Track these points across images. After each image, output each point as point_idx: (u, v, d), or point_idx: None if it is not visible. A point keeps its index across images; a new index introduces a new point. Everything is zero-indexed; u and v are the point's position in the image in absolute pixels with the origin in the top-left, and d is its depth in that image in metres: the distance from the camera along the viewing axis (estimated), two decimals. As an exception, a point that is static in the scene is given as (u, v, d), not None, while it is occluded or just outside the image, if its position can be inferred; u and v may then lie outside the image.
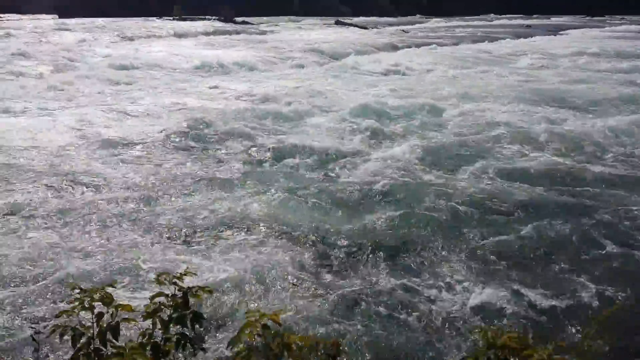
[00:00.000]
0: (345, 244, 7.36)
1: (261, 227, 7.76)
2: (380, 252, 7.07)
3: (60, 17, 78.68)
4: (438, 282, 6.33)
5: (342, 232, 7.66)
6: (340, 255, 7.04)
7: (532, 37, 46.41)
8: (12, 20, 71.93)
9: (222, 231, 7.60)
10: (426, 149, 11.73)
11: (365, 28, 61.15)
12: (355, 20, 75.77)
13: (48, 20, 66.98)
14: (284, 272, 6.46)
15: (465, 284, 6.30)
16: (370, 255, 6.97)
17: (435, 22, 77.34)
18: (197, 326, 3.14)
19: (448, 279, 6.40)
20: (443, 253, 7.08)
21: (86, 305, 2.90)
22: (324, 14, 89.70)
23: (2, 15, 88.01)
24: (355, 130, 13.44)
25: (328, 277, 6.49)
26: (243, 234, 7.55)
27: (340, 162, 11.01)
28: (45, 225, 7.62)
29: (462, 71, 24.79)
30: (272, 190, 9.18)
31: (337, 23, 68.02)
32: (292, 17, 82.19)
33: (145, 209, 8.37)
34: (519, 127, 13.63)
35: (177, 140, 12.47)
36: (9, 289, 5.88)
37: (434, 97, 17.51)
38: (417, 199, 8.81)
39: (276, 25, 64.64)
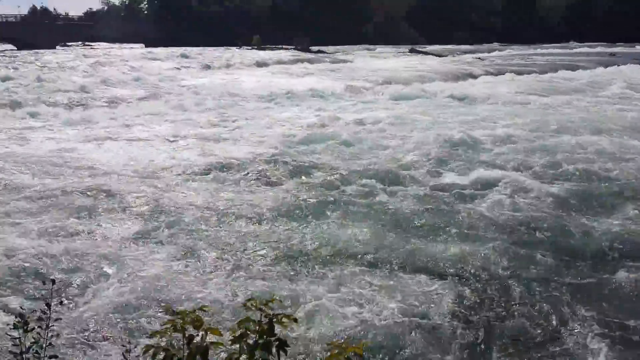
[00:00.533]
0: (427, 271, 7.25)
1: (347, 257, 7.72)
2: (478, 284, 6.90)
3: (146, 47, 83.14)
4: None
5: (434, 261, 7.54)
6: (418, 284, 6.91)
7: (617, 65, 44.53)
8: (101, 48, 76.84)
9: (308, 260, 7.63)
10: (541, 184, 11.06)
11: (440, 56, 60.79)
12: (430, 48, 75.45)
13: (135, 50, 70.85)
14: (369, 303, 6.40)
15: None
16: (438, 284, 6.82)
17: (512, 50, 75.85)
18: (282, 354, 3.16)
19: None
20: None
21: (178, 328, 2.99)
22: (398, 42, 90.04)
23: (92, 43, 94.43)
24: (444, 160, 13.15)
25: (412, 307, 6.36)
26: (329, 263, 7.54)
27: (427, 192, 10.76)
28: (144, 249, 7.90)
29: (551, 99, 24.12)
30: (357, 218, 9.16)
31: (412, 51, 68.02)
32: (367, 46, 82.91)
33: (234, 235, 8.52)
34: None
35: (262, 167, 12.68)
36: (108, 307, 6.17)
37: (525, 126, 16.91)
38: (545, 236, 8.48)
39: (351, 53, 65.40)
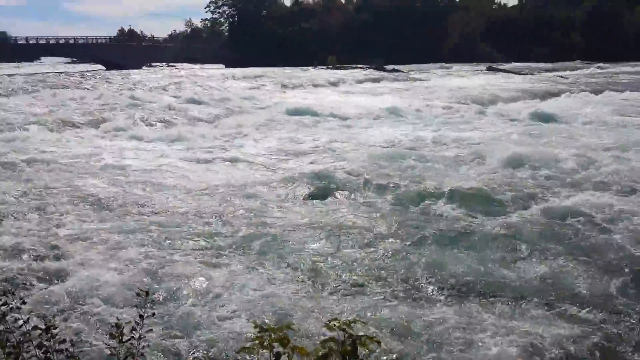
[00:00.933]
0: (507, 295, 7.01)
1: (437, 281, 7.57)
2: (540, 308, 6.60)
3: (226, 67, 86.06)
4: None
5: (515, 286, 7.30)
6: (504, 309, 6.68)
7: None
8: (184, 69, 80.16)
9: (396, 281, 7.55)
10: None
11: (519, 74, 59.23)
12: (509, 66, 73.68)
13: (216, 70, 73.39)
14: (456, 327, 6.26)
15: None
16: (530, 304, 6.55)
17: (597, 68, 72.80)
18: (364, 375, 3.15)
19: None
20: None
21: (265, 344, 3.04)
22: (475, 60, 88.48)
23: (176, 64, 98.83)
24: (541, 181, 12.62)
25: (498, 334, 6.15)
26: (418, 287, 7.43)
27: (527, 215, 10.29)
28: (236, 266, 8.09)
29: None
30: (452, 241, 9.00)
31: (490, 69, 66.67)
32: (442, 64, 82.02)
33: (322, 253, 8.58)
34: None
35: (349, 185, 12.68)
36: (198, 320, 6.36)
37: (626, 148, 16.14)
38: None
39: (426, 72, 64.89)
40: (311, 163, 15.71)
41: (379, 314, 6.58)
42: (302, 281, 7.58)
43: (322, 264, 8.11)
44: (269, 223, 9.95)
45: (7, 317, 3.42)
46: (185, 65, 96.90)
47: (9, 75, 47.41)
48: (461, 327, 6.21)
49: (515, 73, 60.41)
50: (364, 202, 11.52)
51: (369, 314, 6.50)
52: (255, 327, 3.12)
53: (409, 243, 8.96)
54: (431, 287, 7.39)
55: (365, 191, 12.28)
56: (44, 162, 15.19)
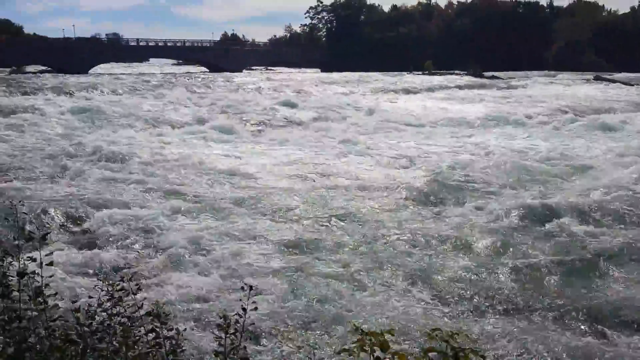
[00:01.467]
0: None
1: (539, 299, 7.29)
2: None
3: (322, 71, 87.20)
4: None
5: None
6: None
7: None
8: (282, 72, 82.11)
9: (504, 297, 7.34)
10: None
11: (630, 85, 55.52)
12: (618, 76, 69.26)
13: (312, 74, 74.57)
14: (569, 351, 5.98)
15: None
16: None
17: None
18: (466, 389, 3.06)
19: None
20: None
21: (366, 348, 3.03)
22: (581, 69, 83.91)
23: (274, 68, 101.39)
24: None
25: None
26: (511, 303, 7.21)
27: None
28: (341, 269, 8.20)
29: None
30: (544, 254, 8.67)
31: (597, 79, 62.95)
32: (545, 72, 78.52)
33: (424, 260, 8.53)
34: None
35: (441, 193, 12.53)
36: (297, 317, 6.47)
37: None
38: None
39: (527, 80, 62.40)
40: (417, 169, 15.58)
41: (486, 328, 6.39)
42: (407, 289, 7.51)
43: (430, 274, 8.00)
44: (384, 227, 9.99)
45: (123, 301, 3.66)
46: (283, 69, 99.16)
47: (116, 76, 50.63)
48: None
49: (625, 84, 56.66)
50: (480, 212, 11.15)
51: (475, 329, 6.32)
52: (356, 329, 3.12)
53: (527, 261, 8.51)
54: (547, 311, 6.99)
55: (481, 200, 11.96)
56: (158, 160, 15.93)
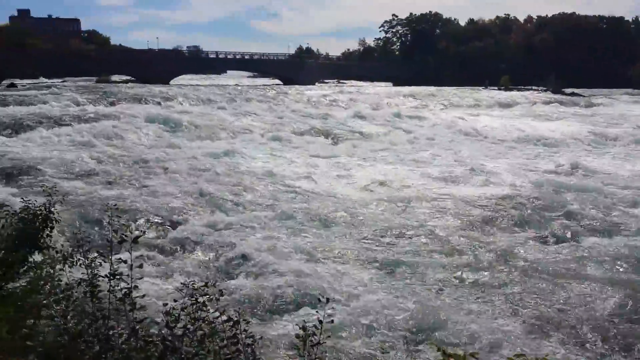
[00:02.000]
0: None
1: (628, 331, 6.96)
2: None
3: (394, 85, 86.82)
4: None
5: None
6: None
7: None
8: (354, 86, 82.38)
9: (593, 325, 7.06)
10: None
11: None
12: None
13: (384, 88, 74.40)
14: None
15: None
16: None
17: None
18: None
19: None
20: None
21: (447, 369, 2.98)
22: (670, 87, 79.42)
23: (345, 81, 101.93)
24: None
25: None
26: (610, 334, 6.88)
27: None
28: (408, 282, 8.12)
29: None
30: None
31: (689, 97, 59.43)
32: (629, 90, 74.84)
33: (505, 282, 8.35)
34: None
35: (522, 211, 12.17)
36: (374, 331, 6.43)
37: None
38: None
39: (609, 97, 59.68)
40: (499, 187, 15.26)
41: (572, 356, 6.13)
42: (495, 311, 7.34)
43: (523, 298, 7.78)
44: (473, 245, 9.85)
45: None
46: (354, 82, 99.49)
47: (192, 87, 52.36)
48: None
49: None
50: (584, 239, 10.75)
51: (559, 356, 6.07)
52: (438, 350, 3.08)
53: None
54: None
55: (535, 219, 11.57)
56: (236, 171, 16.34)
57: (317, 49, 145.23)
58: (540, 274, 8.68)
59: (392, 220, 11.35)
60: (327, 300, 3.80)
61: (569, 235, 10.86)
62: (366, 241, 10.05)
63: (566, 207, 12.50)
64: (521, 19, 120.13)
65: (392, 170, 17.49)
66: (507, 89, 71.37)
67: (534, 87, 73.05)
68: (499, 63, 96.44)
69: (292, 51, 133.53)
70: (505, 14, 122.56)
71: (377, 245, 9.81)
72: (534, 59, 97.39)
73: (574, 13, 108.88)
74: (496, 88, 73.92)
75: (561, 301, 7.68)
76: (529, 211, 12.25)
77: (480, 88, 72.97)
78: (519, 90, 68.09)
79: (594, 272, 8.86)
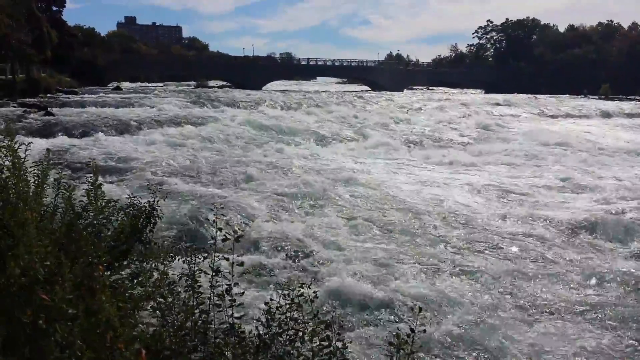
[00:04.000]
0: None
1: None
2: None
3: (486, 92, 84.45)
4: None
5: None
6: None
7: None
8: (444, 92, 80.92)
9: None
10: None
11: None
12: None
13: (475, 95, 72.58)
14: None
15: None
16: None
17: None
18: None
19: None
20: None
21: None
22: None
23: (435, 88, 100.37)
24: None
25: None
26: None
27: None
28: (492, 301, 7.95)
29: None
30: None
31: None
32: None
33: (600, 300, 8.02)
34: None
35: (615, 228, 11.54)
36: (453, 336, 6.35)
37: None
38: None
39: None
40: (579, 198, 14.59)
41: None
42: (583, 328, 7.05)
43: (618, 316, 7.44)
44: (572, 260, 9.57)
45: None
46: (444, 89, 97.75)
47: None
48: None
49: None
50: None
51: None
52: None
53: None
54: None
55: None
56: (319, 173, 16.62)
57: (407, 55, 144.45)
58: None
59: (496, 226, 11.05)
60: (420, 309, 3.79)
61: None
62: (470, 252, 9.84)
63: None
64: (625, 25, 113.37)
65: (488, 179, 17.13)
66: (607, 98, 67.59)
67: (637, 97, 68.69)
68: (599, 71, 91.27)
69: (382, 58, 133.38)
70: (608, 20, 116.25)
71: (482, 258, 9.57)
72: (637, 68, 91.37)
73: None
74: (597, 97, 70.19)
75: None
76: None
77: (579, 97, 69.59)
78: (620, 100, 64.26)
79: None
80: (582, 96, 71.57)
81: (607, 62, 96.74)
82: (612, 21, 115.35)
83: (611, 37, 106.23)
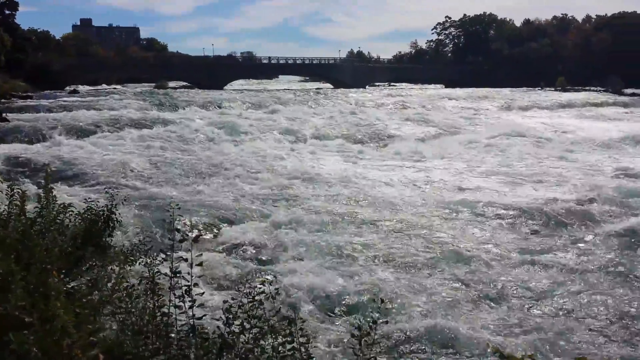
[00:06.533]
0: None
1: None
2: None
3: (446, 87, 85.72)
4: None
5: None
6: None
7: None
8: (404, 89, 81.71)
9: None
10: None
11: None
12: None
13: (435, 90, 73.56)
14: None
15: None
16: None
17: None
18: None
19: None
20: None
21: (504, 372, 2.93)
22: None
23: (396, 84, 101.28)
24: None
25: None
26: None
27: None
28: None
29: None
30: None
31: None
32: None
33: (563, 286, 8.17)
34: None
35: (566, 217, 11.83)
36: (419, 330, 6.40)
37: None
38: None
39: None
40: (542, 188, 14.89)
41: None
42: (549, 315, 7.18)
43: (580, 301, 7.61)
44: (529, 249, 9.72)
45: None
46: (404, 85, 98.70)
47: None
48: None
49: None
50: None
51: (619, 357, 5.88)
52: (495, 352, 3.04)
53: None
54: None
55: (583, 224, 11.22)
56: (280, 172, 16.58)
57: (369, 52, 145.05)
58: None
59: (452, 224, 11.19)
60: (382, 301, 3.81)
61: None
62: (423, 244, 9.94)
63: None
64: (579, 18, 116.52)
65: (442, 173, 17.29)
66: (563, 90, 69.43)
67: (592, 88, 70.75)
68: (555, 64, 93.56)
69: (344, 55, 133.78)
70: (562, 14, 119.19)
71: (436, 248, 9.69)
72: (591, 60, 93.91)
73: (635, 12, 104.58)
74: (552, 89, 71.97)
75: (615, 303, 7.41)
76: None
77: (536, 89, 71.21)
78: (575, 91, 66.08)
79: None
80: (539, 89, 73.25)
81: (563, 55, 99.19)
82: (566, 15, 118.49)
83: (566, 31, 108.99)
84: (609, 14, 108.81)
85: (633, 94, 61.69)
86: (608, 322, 6.93)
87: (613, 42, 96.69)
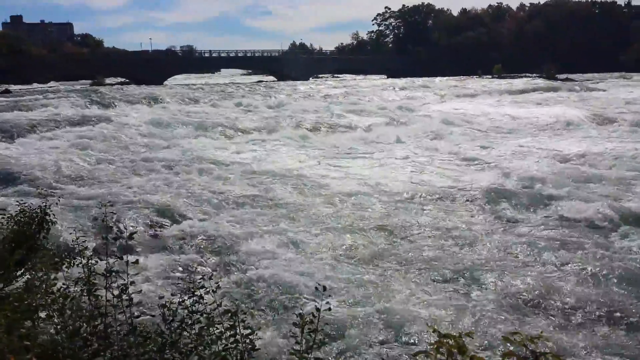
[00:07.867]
0: None
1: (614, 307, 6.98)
2: None
3: (388, 77, 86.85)
4: None
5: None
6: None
7: None
8: (348, 80, 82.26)
9: (577, 304, 7.04)
10: None
11: None
12: None
13: (378, 80, 74.33)
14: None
15: None
16: None
17: None
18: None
19: None
20: None
21: (442, 350, 2.98)
22: (664, 69, 79.42)
23: (340, 75, 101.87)
24: None
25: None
26: (595, 312, 6.87)
27: None
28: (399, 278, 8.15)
29: None
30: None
31: (682, 79, 59.47)
32: (623, 74, 74.85)
33: (492, 267, 8.34)
34: None
35: (503, 200, 12.19)
36: (369, 317, 6.46)
37: None
38: None
39: (602, 82, 59.81)
40: (481, 172, 15.33)
41: (568, 333, 6.16)
42: (484, 294, 7.35)
43: (509, 280, 7.78)
44: (460, 235, 9.89)
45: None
46: (348, 76, 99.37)
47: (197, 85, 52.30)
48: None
49: None
50: (547, 220, 10.83)
51: (555, 333, 6.10)
52: (434, 332, 3.09)
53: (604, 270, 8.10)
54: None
55: (518, 206, 11.66)
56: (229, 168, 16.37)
57: (311, 44, 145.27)
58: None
59: (395, 213, 11.36)
60: (324, 288, 3.81)
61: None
62: (358, 234, 10.05)
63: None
64: (514, 7, 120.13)
65: (381, 164, 17.55)
66: (500, 77, 71.58)
67: (527, 75, 73.17)
68: (492, 52, 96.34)
69: (286, 47, 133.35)
70: (497, 3, 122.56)
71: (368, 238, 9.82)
72: (526, 47, 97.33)
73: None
74: (489, 77, 74.06)
75: (538, 281, 7.71)
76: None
77: (474, 77, 73.07)
78: (512, 78, 68.16)
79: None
80: (477, 76, 75.20)
81: (499, 42, 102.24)
82: (501, 3, 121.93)
83: (501, 19, 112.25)
84: (542, 2, 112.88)
85: (566, 79, 64.15)
86: (540, 298, 7.18)
87: (547, 29, 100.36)
